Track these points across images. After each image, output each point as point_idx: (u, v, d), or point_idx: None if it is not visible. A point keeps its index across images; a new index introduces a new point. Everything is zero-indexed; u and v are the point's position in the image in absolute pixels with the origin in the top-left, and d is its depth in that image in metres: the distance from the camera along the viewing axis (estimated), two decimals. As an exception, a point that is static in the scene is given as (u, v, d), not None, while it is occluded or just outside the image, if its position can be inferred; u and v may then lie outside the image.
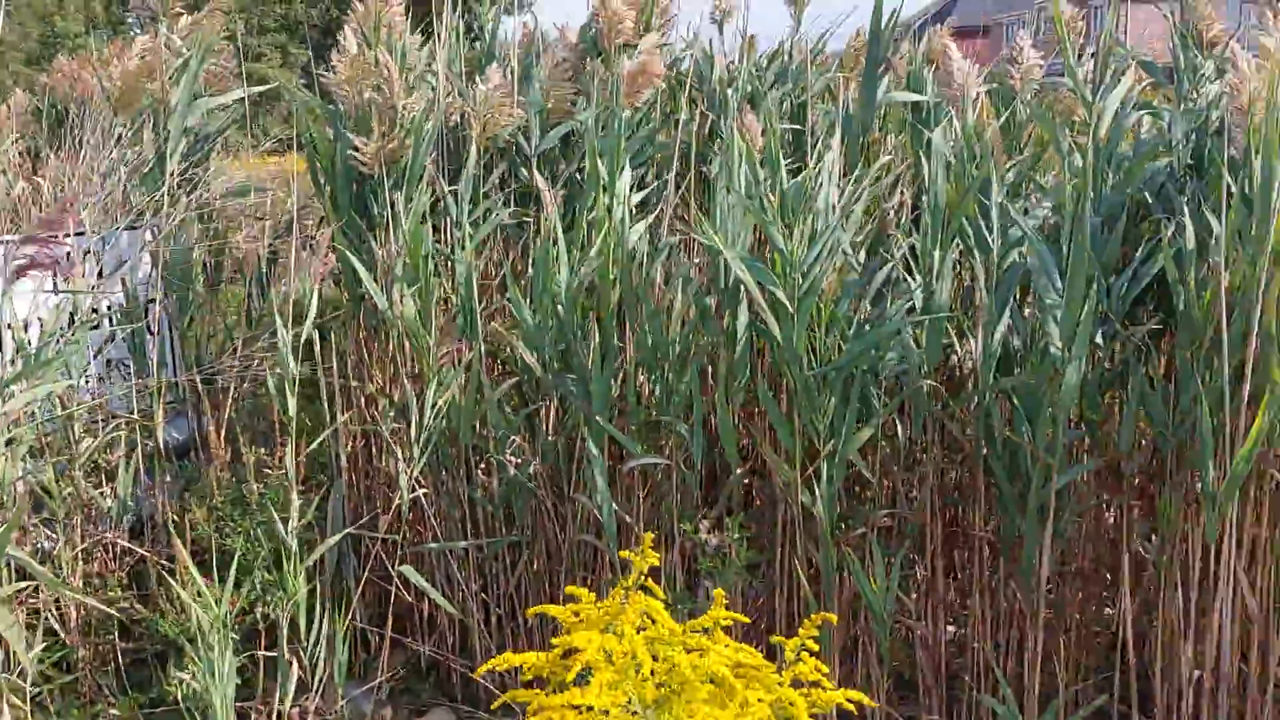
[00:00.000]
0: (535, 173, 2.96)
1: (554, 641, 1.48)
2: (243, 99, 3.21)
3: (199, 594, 2.41)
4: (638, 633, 1.42)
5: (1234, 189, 2.27)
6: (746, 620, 1.62)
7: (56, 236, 2.65)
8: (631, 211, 2.77)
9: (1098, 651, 2.84)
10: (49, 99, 4.06)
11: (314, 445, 2.70)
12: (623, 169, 2.68)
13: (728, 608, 2.77)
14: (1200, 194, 2.43)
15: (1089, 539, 2.79)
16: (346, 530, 2.83)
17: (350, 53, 2.70)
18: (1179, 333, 2.41)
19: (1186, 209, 2.36)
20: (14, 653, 2.49)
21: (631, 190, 2.80)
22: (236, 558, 2.60)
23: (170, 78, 2.73)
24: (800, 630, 1.52)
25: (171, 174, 2.74)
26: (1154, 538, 2.65)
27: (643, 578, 1.58)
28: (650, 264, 2.77)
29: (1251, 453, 2.22)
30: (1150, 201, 2.56)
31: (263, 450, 2.99)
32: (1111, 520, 2.88)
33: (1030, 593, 2.54)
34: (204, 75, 2.98)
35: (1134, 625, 2.63)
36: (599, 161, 2.63)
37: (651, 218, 2.76)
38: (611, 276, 2.72)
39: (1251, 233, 2.24)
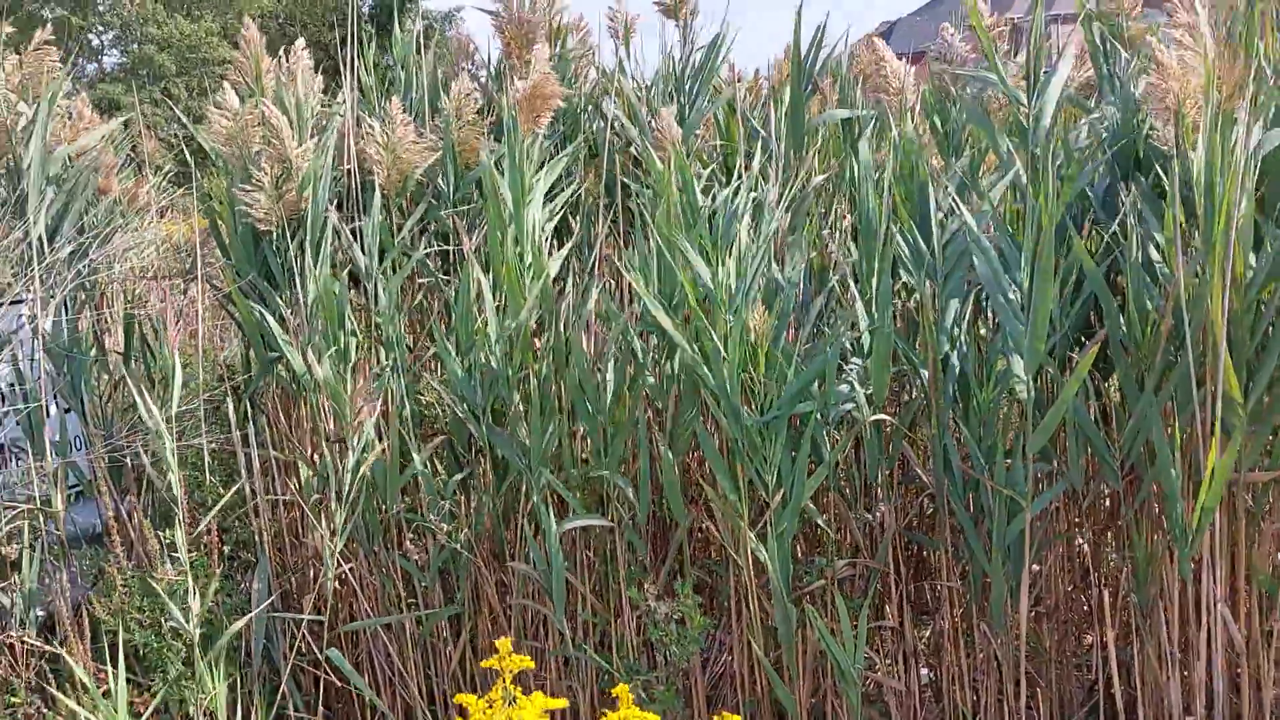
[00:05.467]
0: (453, 217, 2.78)
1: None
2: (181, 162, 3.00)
3: (105, 695, 2.20)
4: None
5: (1172, 192, 2.11)
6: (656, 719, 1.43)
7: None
8: (546, 249, 2.59)
9: (1080, 691, 2.66)
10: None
11: (208, 518, 2.49)
12: (530, 203, 2.49)
13: (685, 674, 2.60)
14: (1146, 198, 2.27)
15: (1060, 573, 2.61)
16: (256, 611, 2.61)
17: (230, 106, 2.51)
18: (1117, 355, 2.24)
19: (1131, 215, 2.21)
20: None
21: (547, 224, 2.61)
22: (141, 653, 2.39)
23: (19, 136, 2.51)
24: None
25: (39, 240, 2.51)
26: (1127, 567, 2.48)
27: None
28: (581, 307, 2.60)
29: (1216, 498, 2.04)
30: (1096, 208, 2.41)
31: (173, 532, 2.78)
32: (1085, 549, 2.71)
33: (1003, 638, 2.36)
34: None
35: (1117, 660, 2.45)
36: (501, 199, 2.44)
37: (566, 250, 2.57)
38: (533, 321, 2.54)
39: (1197, 240, 2.07)
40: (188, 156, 3.08)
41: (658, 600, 2.31)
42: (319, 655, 2.71)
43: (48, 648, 2.77)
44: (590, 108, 2.98)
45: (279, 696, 2.71)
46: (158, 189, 3.95)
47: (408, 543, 2.71)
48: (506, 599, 2.75)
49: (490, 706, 1.32)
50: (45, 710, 2.71)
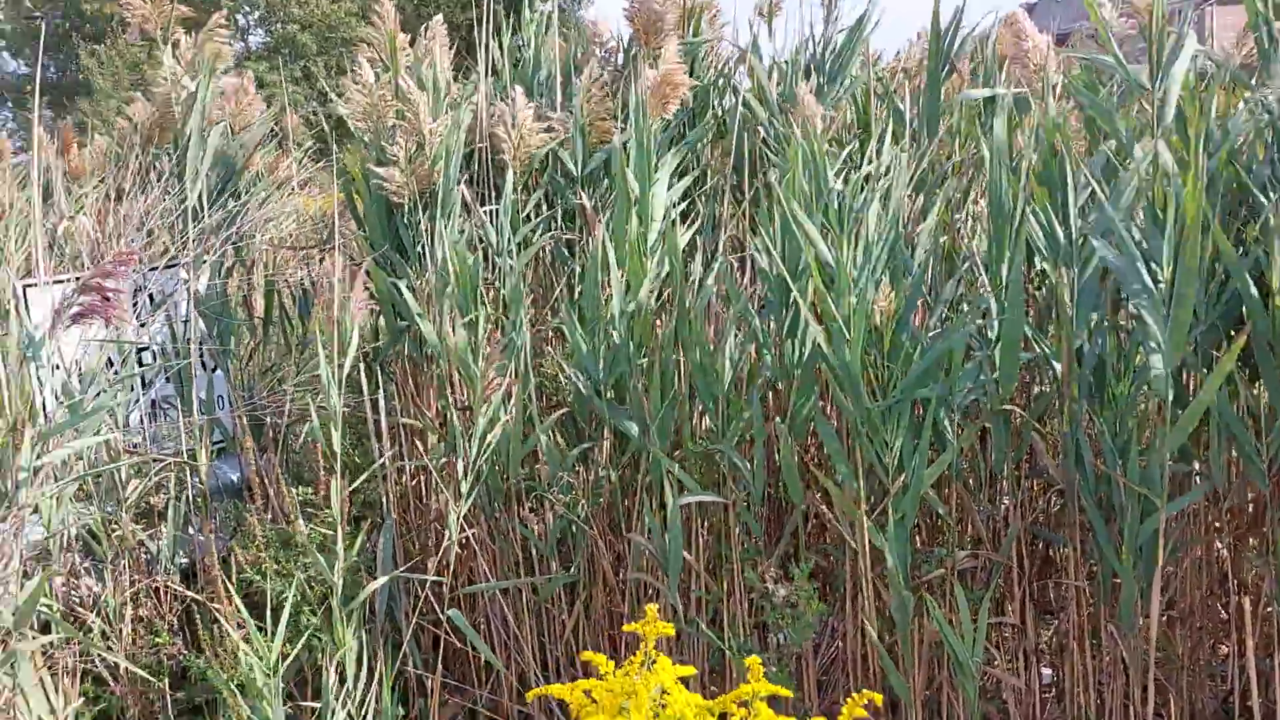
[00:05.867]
0: (582, 196, 2.82)
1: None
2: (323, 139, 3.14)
3: (247, 641, 2.32)
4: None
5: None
6: (788, 694, 1.43)
7: (112, 285, 2.61)
8: (674, 228, 2.60)
9: (1213, 702, 2.55)
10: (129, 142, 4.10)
11: (357, 483, 2.59)
12: (655, 183, 2.50)
13: (798, 659, 2.60)
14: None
15: (1196, 577, 2.50)
16: (395, 573, 2.71)
17: (367, 81, 2.60)
18: (1262, 353, 2.11)
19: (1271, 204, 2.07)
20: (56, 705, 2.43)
21: (673, 206, 2.62)
22: (286, 602, 2.50)
23: (181, 109, 2.66)
24: (843, 713, 1.32)
25: (194, 207, 2.65)
26: (1271, 574, 2.36)
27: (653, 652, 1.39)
28: (703, 285, 2.60)
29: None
30: (1256, 194, 2.28)
31: (309, 489, 2.91)
32: (1224, 553, 2.59)
33: (1131, 641, 2.27)
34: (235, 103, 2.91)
35: (1256, 671, 2.34)
36: (629, 183, 2.46)
37: (690, 232, 2.58)
38: (654, 301, 2.55)
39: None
40: (327, 132, 3.20)
41: (775, 584, 2.31)
42: (439, 615, 2.80)
43: (189, 593, 2.95)
44: (721, 82, 2.97)
45: (400, 654, 2.81)
46: (298, 163, 4.13)
47: (527, 510, 2.77)
48: (621, 571, 2.79)
49: (626, 672, 1.34)
50: (185, 651, 2.88)
